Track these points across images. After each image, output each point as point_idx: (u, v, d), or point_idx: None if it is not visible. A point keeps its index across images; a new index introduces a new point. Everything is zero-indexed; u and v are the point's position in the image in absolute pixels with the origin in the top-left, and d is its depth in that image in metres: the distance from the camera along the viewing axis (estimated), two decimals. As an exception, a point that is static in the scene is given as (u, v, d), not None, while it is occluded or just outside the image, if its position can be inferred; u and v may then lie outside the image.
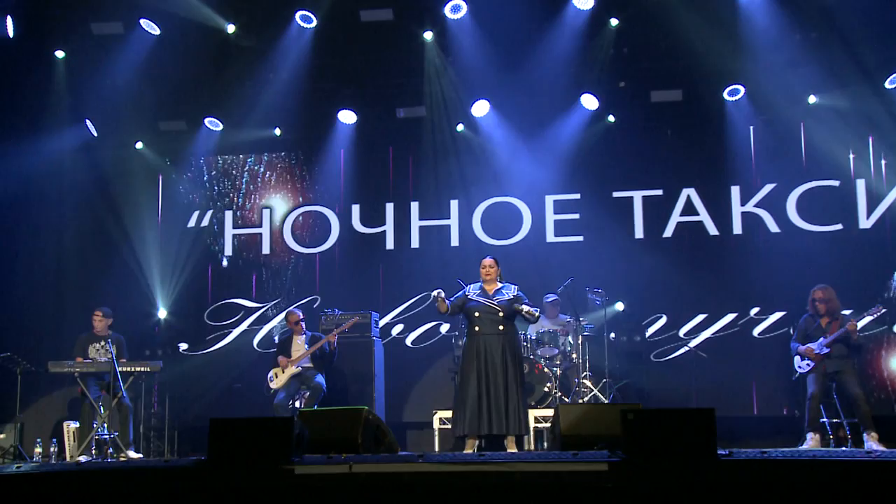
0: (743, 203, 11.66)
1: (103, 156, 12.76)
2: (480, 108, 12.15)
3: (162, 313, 12.80)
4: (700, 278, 11.51)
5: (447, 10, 11.18)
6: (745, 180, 11.69)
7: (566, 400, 10.41)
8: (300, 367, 10.11)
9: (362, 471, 5.77)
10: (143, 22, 11.23)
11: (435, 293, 8.76)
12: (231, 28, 11.38)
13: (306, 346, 10.22)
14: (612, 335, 10.97)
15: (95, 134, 12.56)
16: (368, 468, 5.80)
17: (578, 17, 11.11)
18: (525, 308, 8.65)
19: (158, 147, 13.05)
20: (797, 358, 9.15)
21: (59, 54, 11.78)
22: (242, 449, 5.93)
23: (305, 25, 11.36)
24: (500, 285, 8.81)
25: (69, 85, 11.91)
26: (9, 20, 11.13)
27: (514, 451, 8.41)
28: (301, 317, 10.48)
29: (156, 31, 11.32)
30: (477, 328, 8.68)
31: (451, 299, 8.86)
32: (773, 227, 11.52)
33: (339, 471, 5.77)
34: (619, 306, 11.62)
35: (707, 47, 11.03)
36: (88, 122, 12.45)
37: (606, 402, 10.36)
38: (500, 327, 8.64)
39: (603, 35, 11.30)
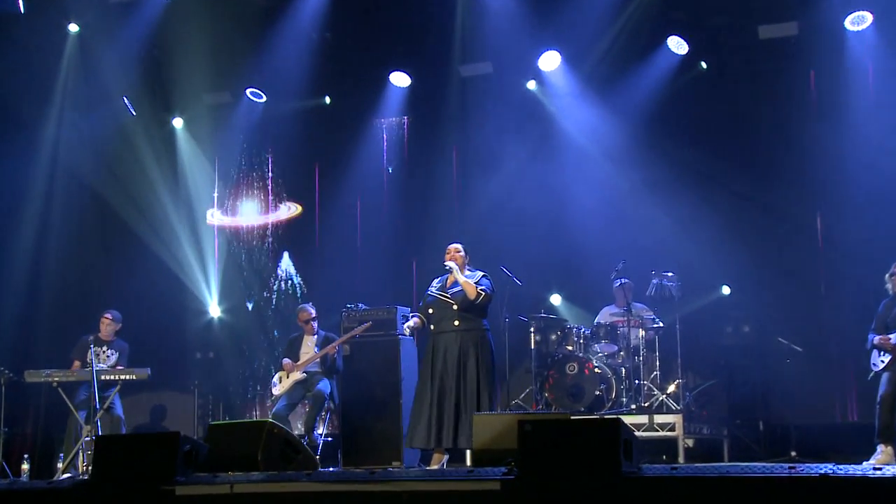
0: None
1: (138, 135, 13.62)
2: (550, 61, 12.39)
3: (215, 311, 13.76)
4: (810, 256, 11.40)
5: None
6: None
7: (632, 407, 10.48)
8: (305, 374, 10.48)
9: (244, 491, 6.25)
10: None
11: (408, 330, 9.36)
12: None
13: (316, 348, 10.54)
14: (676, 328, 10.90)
15: (134, 112, 13.53)
16: (250, 488, 6.27)
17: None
18: (462, 278, 8.87)
19: (199, 123, 13.91)
20: (874, 352, 8.83)
21: (73, 28, 12.75)
22: (126, 468, 6.57)
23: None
24: (464, 274, 9.00)
25: (88, 61, 12.87)
26: (19, -7, 12.28)
27: None
28: (313, 314, 10.74)
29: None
30: (433, 326, 9.02)
31: (419, 306, 9.33)
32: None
33: (220, 491, 6.28)
34: (726, 290, 11.62)
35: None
36: (126, 100, 13.41)
37: (677, 408, 10.38)
38: (456, 322, 8.84)
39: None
